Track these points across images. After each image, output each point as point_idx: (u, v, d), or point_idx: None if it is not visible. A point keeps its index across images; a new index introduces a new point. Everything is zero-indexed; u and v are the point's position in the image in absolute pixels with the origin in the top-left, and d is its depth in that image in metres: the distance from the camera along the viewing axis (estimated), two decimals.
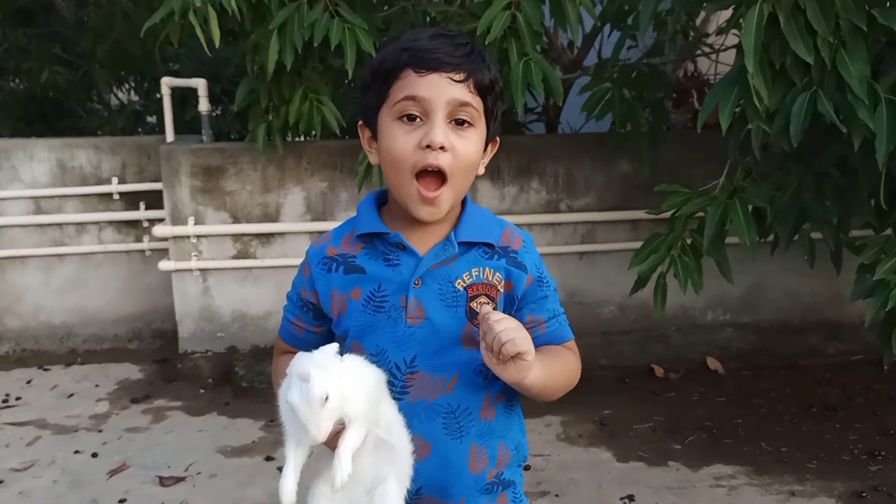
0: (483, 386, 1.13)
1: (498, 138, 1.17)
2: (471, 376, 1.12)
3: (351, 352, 1.12)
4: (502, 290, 1.12)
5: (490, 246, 1.14)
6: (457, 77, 1.04)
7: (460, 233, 1.12)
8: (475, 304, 1.10)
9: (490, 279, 1.12)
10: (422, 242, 1.12)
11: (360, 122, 1.14)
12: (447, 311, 1.10)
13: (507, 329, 1.00)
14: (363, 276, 1.12)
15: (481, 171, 1.14)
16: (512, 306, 1.14)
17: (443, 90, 1.03)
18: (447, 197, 1.07)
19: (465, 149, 1.06)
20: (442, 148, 1.03)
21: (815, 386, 3.19)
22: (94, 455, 2.68)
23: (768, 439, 2.75)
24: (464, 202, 1.16)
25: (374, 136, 1.11)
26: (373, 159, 1.13)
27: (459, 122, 1.05)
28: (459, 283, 1.11)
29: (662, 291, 2.56)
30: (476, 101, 1.06)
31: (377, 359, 1.11)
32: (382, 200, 1.17)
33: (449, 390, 1.11)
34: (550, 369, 1.10)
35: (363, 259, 1.13)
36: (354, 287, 1.12)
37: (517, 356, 1.01)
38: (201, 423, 2.94)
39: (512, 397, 1.18)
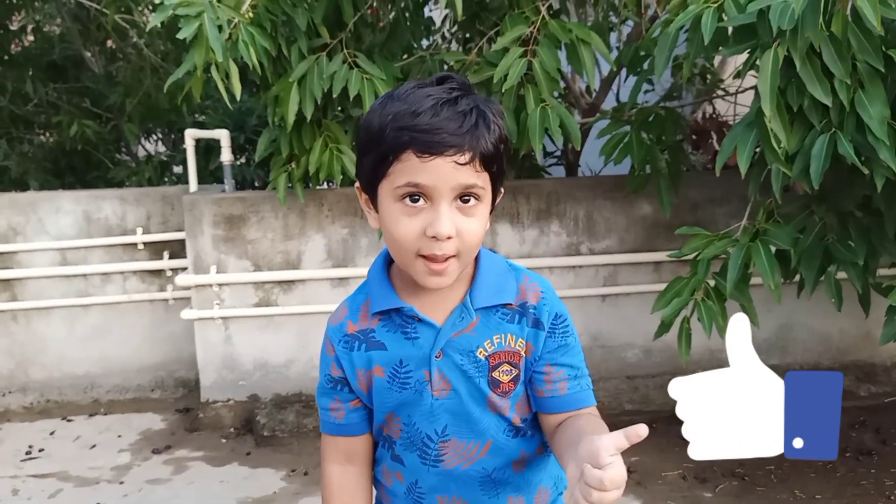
0: (517, 445, 1.12)
1: (502, 189, 1.10)
2: (503, 438, 1.11)
3: (386, 421, 1.12)
4: (525, 356, 1.09)
5: (509, 305, 1.09)
6: (461, 160, 0.97)
7: (475, 297, 1.08)
8: (497, 374, 1.08)
9: (513, 346, 1.08)
10: (437, 309, 1.08)
11: (357, 185, 1.08)
12: (470, 381, 1.08)
13: (612, 480, 0.87)
14: (384, 352, 1.10)
15: (487, 225, 1.09)
16: (531, 367, 1.10)
17: (447, 176, 0.97)
18: (454, 269, 1.02)
19: (472, 227, 1.01)
20: (449, 237, 0.99)
21: (849, 429, 3.10)
22: None
23: (802, 486, 2.66)
24: (477, 256, 1.10)
25: (373, 204, 1.06)
26: (373, 223, 1.07)
27: (465, 200, 1.00)
28: (481, 352, 1.07)
29: (687, 336, 2.52)
30: (482, 179, 1.00)
31: (409, 429, 1.11)
32: (392, 259, 1.12)
33: (483, 455, 1.10)
34: None
35: (382, 333, 1.10)
36: (375, 364, 1.10)
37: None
38: (223, 474, 2.92)
39: (545, 446, 1.16)
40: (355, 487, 1.17)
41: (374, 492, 1.22)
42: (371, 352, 1.10)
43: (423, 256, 1.01)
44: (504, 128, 1.04)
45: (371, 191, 1.05)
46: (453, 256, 1.01)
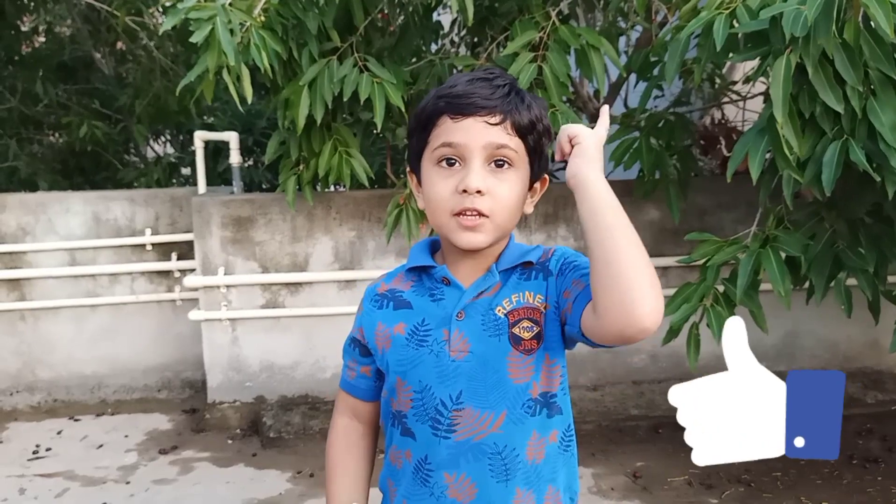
0: (532, 424, 1.10)
1: (546, 176, 1.15)
2: (519, 413, 1.09)
3: (396, 390, 1.13)
4: (545, 310, 1.09)
5: (527, 265, 1.12)
6: (492, 120, 1.03)
7: (501, 263, 1.12)
8: (518, 330, 1.08)
9: (531, 302, 1.09)
10: (467, 277, 1.12)
11: (409, 169, 1.16)
12: (490, 340, 1.08)
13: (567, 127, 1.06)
14: (409, 310, 1.13)
15: (529, 209, 1.13)
16: (557, 319, 1.08)
17: (478, 134, 1.03)
18: (488, 228, 1.06)
19: (505, 191, 1.05)
20: (479, 192, 1.03)
21: (856, 436, 3.09)
22: None
23: (808, 492, 2.66)
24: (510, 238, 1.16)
25: (419, 180, 1.12)
26: (420, 204, 1.13)
27: (499, 164, 1.05)
28: (500, 310, 1.09)
29: (696, 342, 2.51)
30: (515, 143, 1.05)
31: (421, 395, 1.10)
32: (436, 247, 1.19)
33: (496, 428, 1.09)
34: (616, 203, 0.99)
35: (411, 295, 1.14)
36: (399, 321, 1.13)
37: (573, 141, 1.05)
38: (229, 475, 2.93)
39: (563, 436, 1.15)
40: (358, 439, 1.25)
41: (385, 486, 1.21)
42: (398, 310, 1.15)
43: (457, 214, 1.05)
44: (543, 113, 1.10)
45: (417, 167, 1.12)
46: (486, 217, 1.05)
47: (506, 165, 1.05)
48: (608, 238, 0.96)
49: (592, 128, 1.09)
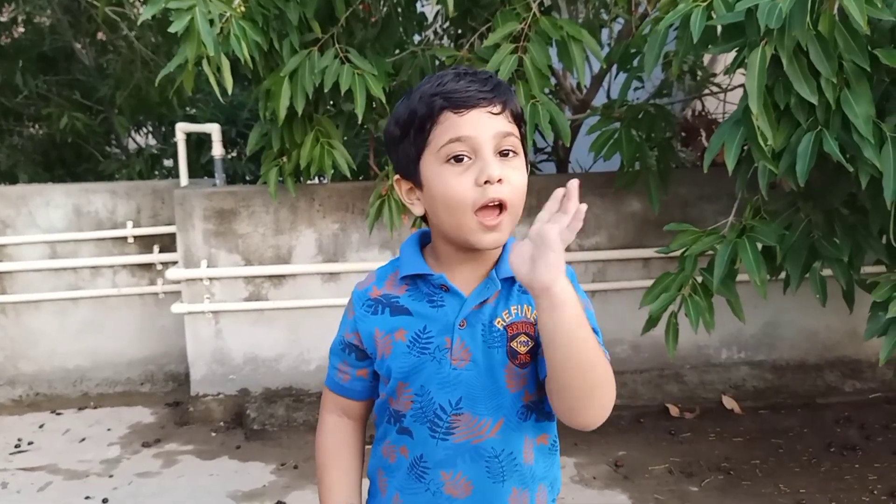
0: (524, 429, 1.12)
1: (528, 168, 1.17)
2: (515, 420, 1.11)
3: (396, 392, 1.13)
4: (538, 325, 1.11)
5: None
6: (495, 110, 1.04)
7: (501, 269, 1.10)
8: (515, 344, 1.09)
9: (528, 316, 1.10)
10: (465, 283, 1.11)
11: (397, 177, 1.13)
12: (490, 351, 1.09)
13: (541, 220, 0.96)
14: (409, 317, 1.12)
15: None
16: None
17: (486, 125, 1.03)
18: (507, 223, 1.06)
19: (518, 178, 1.06)
20: (500, 180, 1.03)
21: (834, 425, 3.13)
22: (105, 501, 2.67)
23: (787, 480, 2.70)
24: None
25: (416, 185, 1.09)
26: (417, 210, 1.11)
27: (504, 154, 1.05)
28: (499, 322, 1.09)
29: (674, 331, 2.54)
30: (515, 130, 1.07)
31: (421, 399, 1.11)
32: (425, 241, 1.17)
33: (494, 434, 1.10)
34: (582, 321, 0.97)
35: (407, 300, 1.13)
36: (399, 328, 1.12)
37: (543, 248, 0.94)
38: (212, 468, 2.93)
39: (552, 438, 1.17)
40: (348, 437, 1.24)
41: (375, 476, 1.22)
42: (396, 316, 1.13)
43: (478, 213, 1.03)
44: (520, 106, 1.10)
45: (413, 172, 1.09)
46: (505, 211, 1.04)
47: (511, 154, 1.06)
48: (574, 355, 0.97)
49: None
